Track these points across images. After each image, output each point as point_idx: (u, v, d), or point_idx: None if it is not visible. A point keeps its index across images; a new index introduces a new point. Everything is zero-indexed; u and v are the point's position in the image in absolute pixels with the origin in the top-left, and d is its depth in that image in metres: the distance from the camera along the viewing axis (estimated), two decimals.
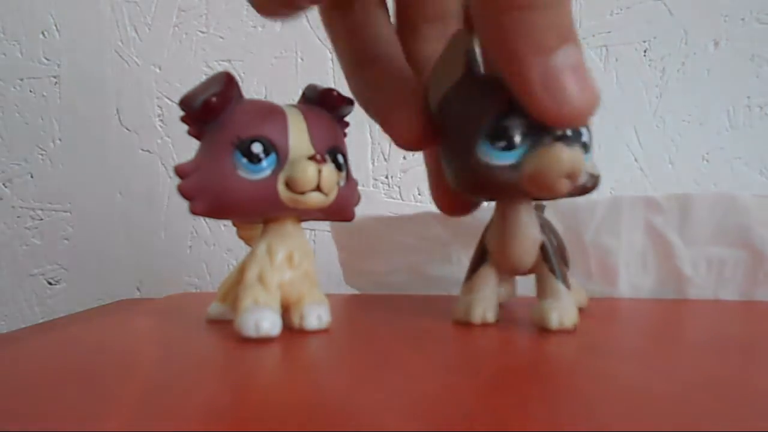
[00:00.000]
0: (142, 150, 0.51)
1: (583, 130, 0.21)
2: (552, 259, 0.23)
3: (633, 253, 0.32)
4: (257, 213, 0.21)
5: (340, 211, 0.22)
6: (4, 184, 0.52)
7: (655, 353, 0.18)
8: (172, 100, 0.51)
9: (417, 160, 0.49)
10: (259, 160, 0.19)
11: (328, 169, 0.19)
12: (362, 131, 0.49)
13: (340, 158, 0.21)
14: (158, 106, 0.51)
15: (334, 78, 0.49)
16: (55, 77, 0.52)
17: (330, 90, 0.21)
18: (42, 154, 0.52)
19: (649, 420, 0.11)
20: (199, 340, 0.21)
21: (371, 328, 0.24)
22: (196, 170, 0.20)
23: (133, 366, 0.16)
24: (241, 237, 0.25)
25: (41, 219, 0.52)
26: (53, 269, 0.52)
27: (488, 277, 0.23)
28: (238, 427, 0.11)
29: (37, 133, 0.52)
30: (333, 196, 0.20)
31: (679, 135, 0.47)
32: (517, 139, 0.20)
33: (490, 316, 0.23)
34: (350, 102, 0.22)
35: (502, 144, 0.20)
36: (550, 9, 0.17)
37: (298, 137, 0.20)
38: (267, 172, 0.19)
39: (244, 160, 0.19)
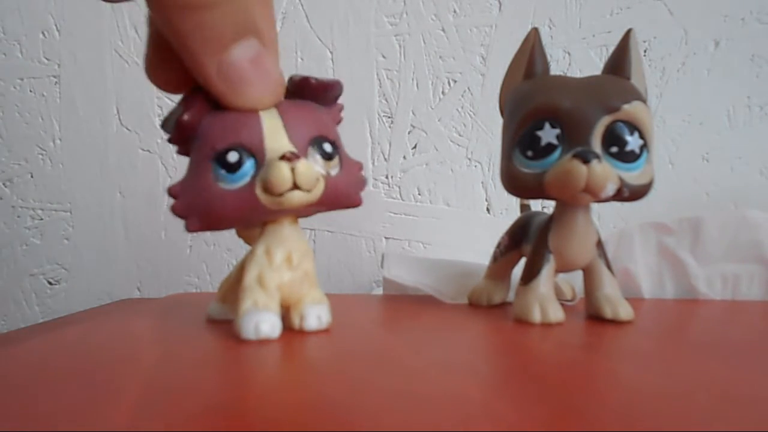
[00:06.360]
0: (142, 150, 0.51)
1: (630, 139, 0.21)
2: (607, 255, 0.24)
3: (650, 274, 0.33)
4: (244, 221, 0.20)
5: (338, 199, 0.21)
6: (4, 184, 0.52)
7: (656, 353, 0.18)
8: (172, 100, 0.51)
9: (417, 160, 0.49)
10: (237, 168, 0.19)
11: (304, 164, 0.18)
12: (362, 131, 0.49)
13: (327, 147, 0.20)
14: (158, 106, 0.51)
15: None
16: (55, 77, 0.52)
17: (306, 79, 0.20)
18: (42, 154, 0.52)
19: (649, 420, 0.11)
20: (199, 340, 0.21)
21: (371, 328, 0.24)
22: (185, 189, 0.19)
23: (133, 366, 0.16)
24: (240, 236, 0.25)
25: (41, 219, 0.52)
26: (53, 269, 0.52)
27: (549, 277, 0.24)
28: (238, 427, 0.11)
29: (37, 133, 0.52)
30: (318, 190, 0.19)
31: (679, 135, 0.47)
32: (544, 151, 0.21)
33: (560, 316, 0.23)
34: (330, 87, 0.21)
35: (530, 153, 0.22)
36: (222, 6, 0.17)
37: (275, 137, 0.19)
38: (247, 179, 0.19)
39: (222, 171, 0.19)
